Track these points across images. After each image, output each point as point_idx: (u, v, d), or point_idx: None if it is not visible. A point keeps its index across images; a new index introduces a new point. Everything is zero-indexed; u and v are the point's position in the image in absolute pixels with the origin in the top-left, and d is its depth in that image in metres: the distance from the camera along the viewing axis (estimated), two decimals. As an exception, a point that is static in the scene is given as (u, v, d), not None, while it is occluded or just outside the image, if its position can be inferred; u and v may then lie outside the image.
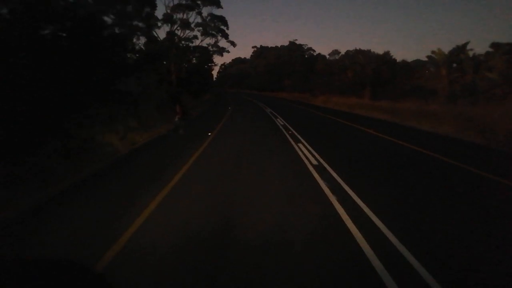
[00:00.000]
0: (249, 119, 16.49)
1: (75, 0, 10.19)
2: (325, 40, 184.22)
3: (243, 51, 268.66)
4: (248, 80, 78.31)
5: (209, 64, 30.58)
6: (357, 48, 29.86)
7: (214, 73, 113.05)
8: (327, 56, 37.28)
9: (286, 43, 64.97)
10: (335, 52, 33.22)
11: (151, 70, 22.50)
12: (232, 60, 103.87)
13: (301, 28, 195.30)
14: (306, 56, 56.92)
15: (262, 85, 64.61)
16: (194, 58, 28.69)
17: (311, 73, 46.62)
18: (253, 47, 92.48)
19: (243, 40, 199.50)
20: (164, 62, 26.28)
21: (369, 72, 27.49)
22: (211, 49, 35.73)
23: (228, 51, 34.76)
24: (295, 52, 59.60)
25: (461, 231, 3.73)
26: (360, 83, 27.98)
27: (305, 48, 62.55)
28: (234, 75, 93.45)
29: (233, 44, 36.52)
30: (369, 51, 29.01)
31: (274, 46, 73.44)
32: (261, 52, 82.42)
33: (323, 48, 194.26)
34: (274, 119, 16.33)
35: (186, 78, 27.05)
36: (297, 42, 62.29)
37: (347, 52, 31.58)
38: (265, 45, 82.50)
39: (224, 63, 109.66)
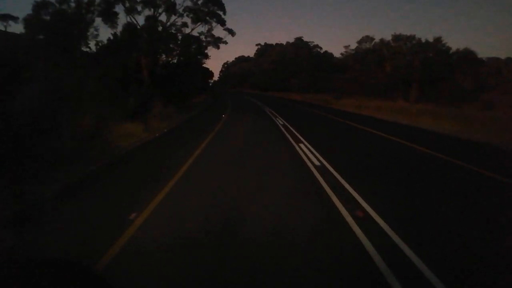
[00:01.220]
0: (250, 148, 9.02)
1: None
2: (333, 38, 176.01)
3: (247, 49, 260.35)
4: (251, 79, 73.40)
5: (199, 57, 23.26)
6: (396, 33, 22.12)
7: (216, 71, 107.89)
8: (356, 45, 29.49)
9: (291, 41, 60.23)
10: (366, 39, 25.34)
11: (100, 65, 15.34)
12: (235, 58, 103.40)
13: (307, 26, 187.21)
14: (313, 54, 51.36)
15: (266, 84, 58.94)
16: (177, 49, 21.31)
17: (318, 71, 40.21)
18: (256, 44, 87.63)
19: (246, 39, 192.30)
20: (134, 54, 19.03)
21: (416, 65, 19.86)
22: (203, 39, 28.46)
23: (225, 42, 27.18)
24: (301, 49, 54.03)
25: None
26: (404, 81, 20.36)
27: (312, 45, 57.76)
28: (236, 74, 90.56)
29: (231, 32, 29.05)
30: (412, 37, 21.37)
31: (279, 43, 68.59)
32: (265, 49, 78.24)
33: (329, 46, 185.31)
34: (296, 149, 8.88)
35: (167, 75, 19.78)
36: (303, 39, 57.48)
37: (382, 40, 23.79)
38: (270, 43, 77.53)
39: (227, 61, 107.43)
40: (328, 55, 57.10)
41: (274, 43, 75.75)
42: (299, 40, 61.33)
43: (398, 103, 17.26)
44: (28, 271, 0.66)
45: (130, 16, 22.82)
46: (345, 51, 29.34)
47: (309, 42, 59.75)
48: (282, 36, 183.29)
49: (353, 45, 38.86)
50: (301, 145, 8.80)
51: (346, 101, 21.53)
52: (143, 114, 14.15)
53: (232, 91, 72.87)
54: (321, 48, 59.57)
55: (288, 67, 51.61)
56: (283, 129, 12.14)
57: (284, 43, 66.36)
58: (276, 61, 58.80)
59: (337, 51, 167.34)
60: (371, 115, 15.75)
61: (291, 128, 12.15)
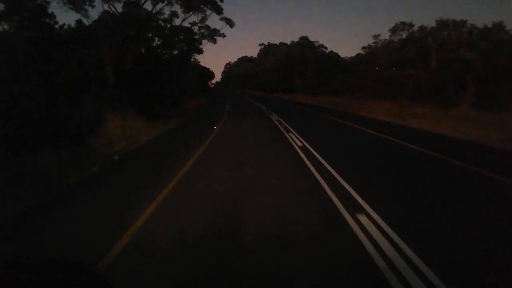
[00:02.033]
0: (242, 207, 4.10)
1: None
2: (338, 37, 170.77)
3: (250, 50, 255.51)
4: (255, 79, 69.66)
5: (188, 49, 18.42)
6: (443, 18, 16.82)
7: (218, 72, 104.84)
8: (383, 38, 24.53)
9: (296, 40, 57.98)
10: (403, 27, 19.90)
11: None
12: (238, 59, 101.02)
13: (310, 25, 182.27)
14: (319, 53, 48.20)
15: (270, 85, 55.02)
16: (157, 39, 16.45)
17: (324, 70, 36.34)
18: (260, 44, 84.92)
19: (249, 39, 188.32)
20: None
21: (474, 59, 14.82)
22: (197, 31, 23.62)
23: (223, 35, 21.94)
24: (306, 49, 50.73)
25: None
26: (456, 80, 15.31)
27: (317, 45, 54.97)
28: (239, 75, 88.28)
29: (229, 23, 24.18)
30: (463, 22, 16.28)
31: (283, 42, 65.64)
32: (268, 49, 75.10)
33: (336, 46, 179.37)
34: (345, 219, 4.00)
35: (142, 73, 14.92)
36: (309, 39, 55.94)
37: (422, 27, 18.50)
38: (273, 43, 74.89)
39: (229, 62, 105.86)
40: (333, 55, 54.09)
41: (278, 43, 72.20)
42: (304, 39, 57.41)
43: (461, 110, 12.24)
44: (28, 271, 0.65)
45: (109, 4, 18.03)
46: (374, 42, 24.22)
47: (314, 41, 56.66)
48: (286, 36, 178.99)
49: (383, 36, 33.57)
50: (350, 203, 3.86)
51: (375, 107, 16.48)
52: (88, 132, 9.32)
53: (234, 92, 69.48)
54: (326, 48, 56.56)
55: (293, 66, 47.37)
56: (302, 154, 7.19)
57: (289, 43, 62.81)
58: (280, 60, 54.56)
59: (343, 52, 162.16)
60: (431, 131, 10.47)
61: (317, 155, 7.14)
